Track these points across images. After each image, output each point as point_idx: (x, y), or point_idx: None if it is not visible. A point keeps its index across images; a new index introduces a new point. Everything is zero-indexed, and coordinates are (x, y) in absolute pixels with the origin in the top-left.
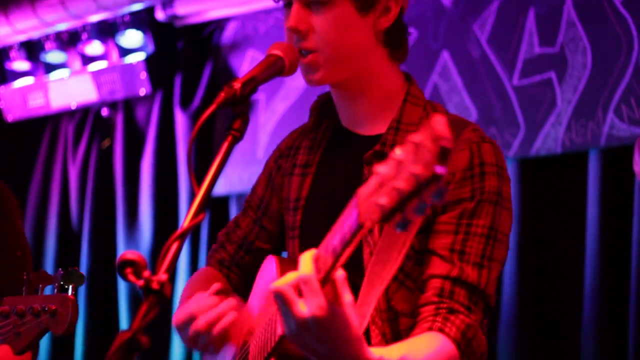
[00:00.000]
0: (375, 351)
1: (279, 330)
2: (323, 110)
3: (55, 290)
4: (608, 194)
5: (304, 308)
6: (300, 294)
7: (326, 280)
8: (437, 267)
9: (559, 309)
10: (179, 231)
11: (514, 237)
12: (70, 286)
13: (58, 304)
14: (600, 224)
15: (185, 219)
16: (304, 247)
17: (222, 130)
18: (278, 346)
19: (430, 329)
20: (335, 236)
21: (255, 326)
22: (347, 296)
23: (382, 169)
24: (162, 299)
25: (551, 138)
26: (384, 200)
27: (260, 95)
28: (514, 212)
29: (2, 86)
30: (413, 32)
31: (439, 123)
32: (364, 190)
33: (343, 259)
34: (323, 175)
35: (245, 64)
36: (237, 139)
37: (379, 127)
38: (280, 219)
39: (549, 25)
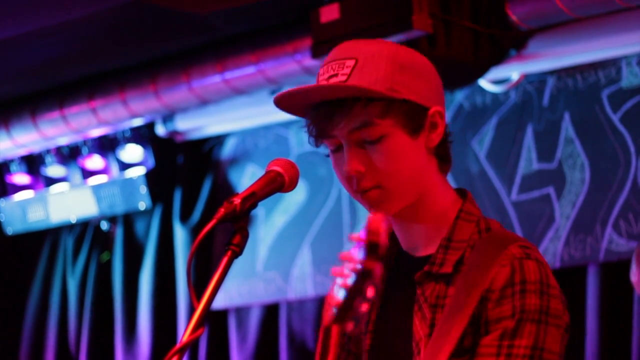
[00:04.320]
0: None
1: None
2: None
3: None
4: (607, 309)
5: None
6: None
7: None
8: None
9: None
10: (178, 346)
11: None
12: None
13: None
14: (600, 339)
15: (184, 333)
16: None
17: (221, 245)
18: None
19: None
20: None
21: None
22: None
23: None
24: None
25: (550, 253)
26: (336, 300)
27: (259, 209)
28: None
29: (3, 199)
30: None
31: (371, 220)
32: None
33: None
34: (386, 301)
35: (245, 179)
36: (236, 254)
37: (432, 247)
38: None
39: (547, 141)
